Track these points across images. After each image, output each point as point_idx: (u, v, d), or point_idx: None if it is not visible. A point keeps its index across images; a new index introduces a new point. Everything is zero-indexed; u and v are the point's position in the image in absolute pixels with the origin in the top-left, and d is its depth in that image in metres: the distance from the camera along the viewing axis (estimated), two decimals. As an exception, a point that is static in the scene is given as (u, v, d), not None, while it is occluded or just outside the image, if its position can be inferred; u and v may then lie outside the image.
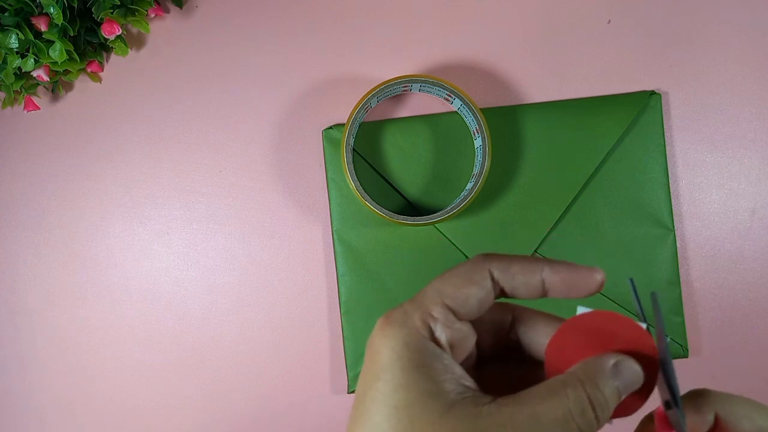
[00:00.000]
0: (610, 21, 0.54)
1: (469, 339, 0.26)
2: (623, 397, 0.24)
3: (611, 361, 0.24)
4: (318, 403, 0.54)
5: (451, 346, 0.25)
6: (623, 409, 0.25)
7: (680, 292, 0.52)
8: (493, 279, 0.25)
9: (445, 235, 0.52)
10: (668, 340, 0.52)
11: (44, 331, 0.54)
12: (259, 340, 0.54)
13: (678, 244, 0.53)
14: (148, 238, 0.54)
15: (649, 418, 0.27)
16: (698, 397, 0.26)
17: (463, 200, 0.49)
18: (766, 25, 0.53)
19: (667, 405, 0.25)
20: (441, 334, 0.25)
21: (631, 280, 0.26)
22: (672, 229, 0.52)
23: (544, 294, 0.26)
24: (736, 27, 0.53)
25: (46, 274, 0.54)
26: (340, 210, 0.52)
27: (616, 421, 0.26)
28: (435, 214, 0.49)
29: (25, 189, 0.54)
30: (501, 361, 0.28)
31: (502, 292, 0.26)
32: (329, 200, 0.53)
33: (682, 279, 0.53)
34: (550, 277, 0.25)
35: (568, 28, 0.54)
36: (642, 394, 0.25)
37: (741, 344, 0.54)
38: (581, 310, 0.26)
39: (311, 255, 0.54)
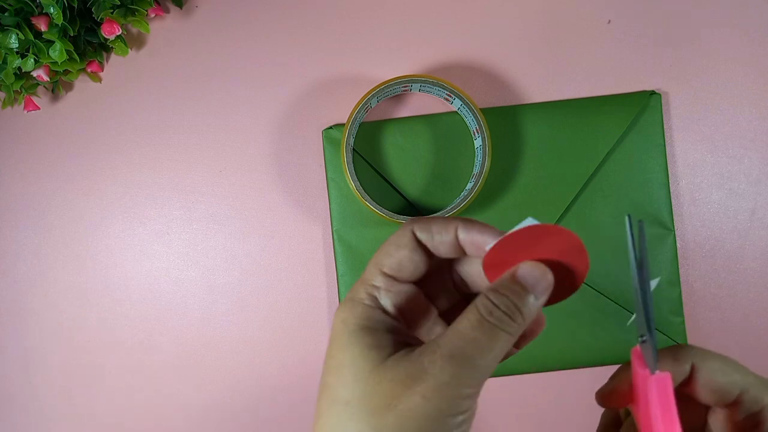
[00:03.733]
0: (610, 21, 0.54)
1: (416, 298, 0.28)
2: (536, 292, 0.26)
3: (511, 270, 0.26)
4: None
5: (400, 309, 0.27)
6: (558, 292, 0.27)
7: (680, 292, 0.52)
8: (418, 240, 0.27)
9: (445, 235, 0.52)
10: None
11: (44, 332, 0.54)
12: (259, 340, 0.54)
13: (678, 244, 0.53)
14: (148, 238, 0.54)
15: (628, 363, 0.29)
16: (678, 348, 0.28)
17: (463, 200, 0.49)
18: (765, 25, 0.53)
19: (642, 338, 0.27)
20: (385, 300, 0.27)
21: (629, 216, 0.27)
22: (672, 229, 0.52)
23: (462, 252, 0.28)
24: (735, 27, 0.53)
25: (46, 274, 0.54)
26: (340, 210, 0.52)
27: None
28: (435, 214, 0.49)
29: (25, 189, 0.54)
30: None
31: (427, 253, 0.28)
32: (329, 200, 0.53)
33: (682, 279, 0.53)
34: (462, 234, 0.27)
35: (568, 28, 0.54)
36: (574, 281, 0.27)
37: (741, 344, 0.54)
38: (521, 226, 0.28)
39: (311, 255, 0.54)
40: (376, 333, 0.26)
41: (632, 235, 0.27)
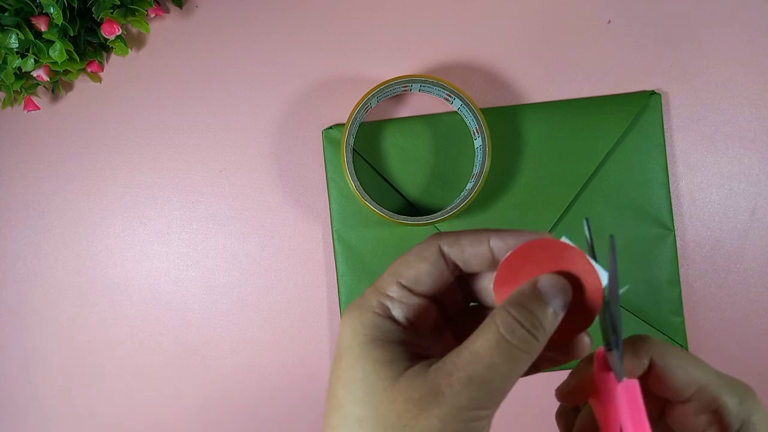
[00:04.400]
0: (610, 21, 0.54)
1: (428, 311, 0.27)
2: (555, 306, 0.24)
3: (531, 281, 0.25)
4: (318, 403, 0.54)
5: (411, 321, 0.26)
6: (568, 330, 0.26)
7: (680, 292, 0.52)
8: (444, 255, 0.26)
9: (445, 235, 0.52)
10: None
11: (44, 332, 0.54)
12: (259, 340, 0.54)
13: (678, 244, 0.53)
14: (148, 238, 0.54)
15: (588, 360, 0.28)
16: (638, 341, 0.27)
17: (463, 200, 0.49)
18: (765, 25, 0.53)
19: (608, 346, 0.26)
20: (397, 311, 0.26)
21: (587, 219, 0.27)
22: (672, 229, 0.52)
23: (495, 262, 0.26)
24: (735, 27, 0.53)
25: (46, 274, 0.54)
26: (340, 210, 0.52)
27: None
28: (435, 214, 0.49)
29: (25, 189, 0.54)
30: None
31: (457, 268, 0.27)
32: (329, 200, 0.53)
33: (682, 279, 0.53)
34: (498, 244, 0.26)
35: (568, 28, 0.53)
36: (585, 316, 0.26)
37: (741, 344, 0.54)
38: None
39: (311, 255, 0.54)
40: (387, 346, 0.25)
41: (592, 243, 0.26)
